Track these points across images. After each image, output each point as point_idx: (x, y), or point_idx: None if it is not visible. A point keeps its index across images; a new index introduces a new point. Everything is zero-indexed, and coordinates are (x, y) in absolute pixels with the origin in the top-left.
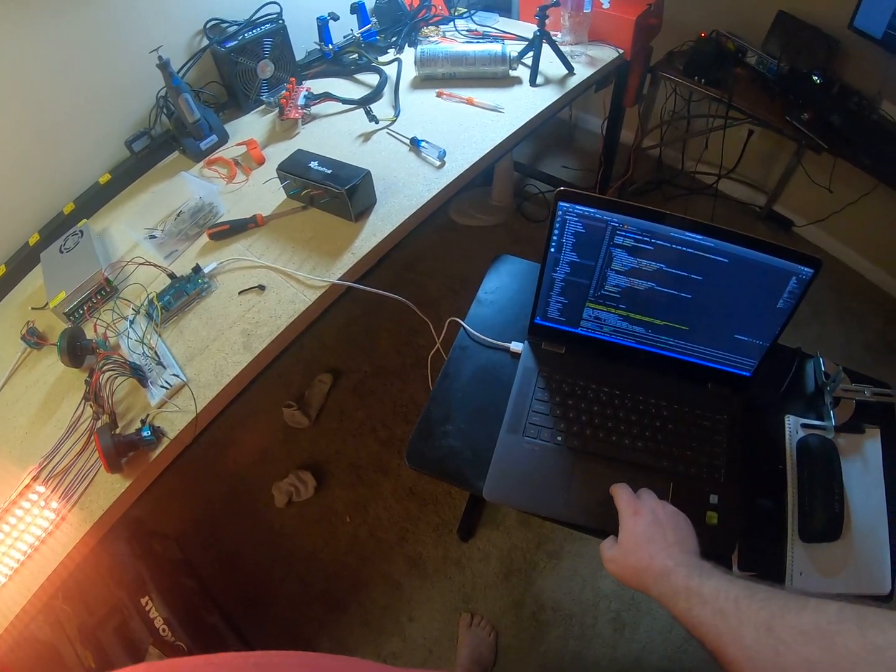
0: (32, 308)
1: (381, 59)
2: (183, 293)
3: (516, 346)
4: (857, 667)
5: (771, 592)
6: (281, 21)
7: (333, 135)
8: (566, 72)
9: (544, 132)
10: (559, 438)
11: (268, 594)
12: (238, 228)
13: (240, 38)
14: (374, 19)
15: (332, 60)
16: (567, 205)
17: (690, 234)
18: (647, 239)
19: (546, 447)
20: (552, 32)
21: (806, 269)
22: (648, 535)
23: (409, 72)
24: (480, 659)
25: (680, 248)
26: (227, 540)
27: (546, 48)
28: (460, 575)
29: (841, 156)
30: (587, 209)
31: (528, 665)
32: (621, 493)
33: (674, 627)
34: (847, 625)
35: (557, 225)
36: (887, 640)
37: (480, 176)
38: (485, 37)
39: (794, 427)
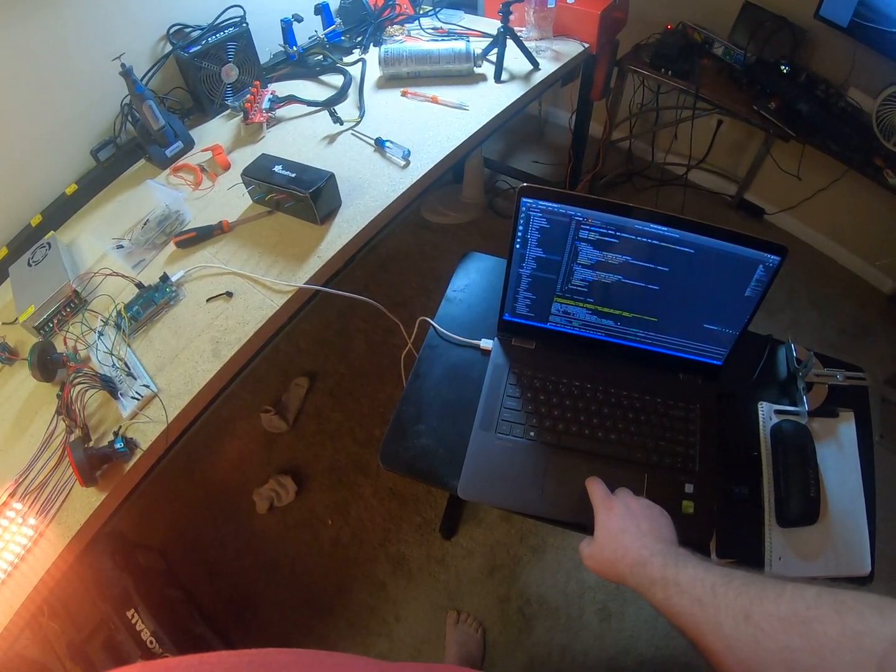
0: (3, 323)
1: (347, 59)
2: (151, 303)
3: (486, 344)
4: (836, 653)
5: (748, 579)
6: (244, 24)
7: (298, 137)
8: (531, 67)
9: (514, 127)
10: (532, 434)
11: (254, 601)
12: (204, 235)
13: (203, 42)
14: (338, 20)
15: (297, 62)
16: (530, 201)
17: (654, 226)
18: (612, 232)
19: (519, 443)
20: (517, 28)
21: (772, 256)
22: (622, 527)
23: (374, 72)
24: (469, 656)
25: (645, 240)
26: (210, 549)
27: (511, 44)
28: (445, 573)
29: (809, 143)
30: (550, 204)
31: (516, 659)
32: (595, 490)
33: (660, 616)
34: (825, 610)
35: (521, 221)
36: (867, 625)
37: (451, 173)
38: (450, 34)
39: (767, 413)
